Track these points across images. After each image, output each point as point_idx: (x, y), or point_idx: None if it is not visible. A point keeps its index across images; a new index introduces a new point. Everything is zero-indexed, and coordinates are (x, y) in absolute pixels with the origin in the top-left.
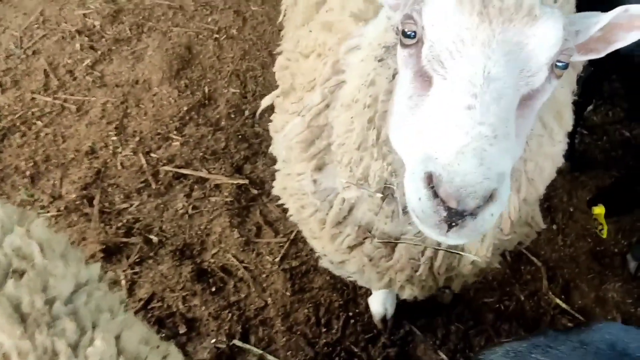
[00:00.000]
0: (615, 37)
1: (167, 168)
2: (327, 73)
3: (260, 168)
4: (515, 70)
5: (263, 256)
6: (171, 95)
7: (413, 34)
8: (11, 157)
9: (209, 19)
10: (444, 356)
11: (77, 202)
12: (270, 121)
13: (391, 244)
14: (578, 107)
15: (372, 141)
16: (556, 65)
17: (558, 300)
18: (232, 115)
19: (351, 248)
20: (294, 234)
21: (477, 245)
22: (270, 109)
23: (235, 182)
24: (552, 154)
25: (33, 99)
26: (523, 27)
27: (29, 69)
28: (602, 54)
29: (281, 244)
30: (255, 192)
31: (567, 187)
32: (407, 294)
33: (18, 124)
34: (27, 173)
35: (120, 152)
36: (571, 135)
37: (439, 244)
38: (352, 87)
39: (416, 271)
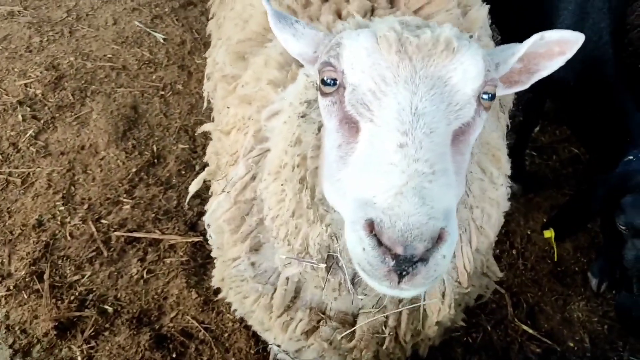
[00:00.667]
0: (537, 66)
1: (118, 234)
2: (249, 143)
3: None
4: (442, 104)
5: (224, 314)
6: (119, 158)
7: (332, 81)
8: None
9: (154, 77)
10: None
11: (27, 279)
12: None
13: (348, 322)
14: (524, 129)
15: (306, 203)
16: (482, 97)
17: (525, 327)
18: (183, 172)
19: (306, 334)
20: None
21: (438, 304)
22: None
23: (189, 240)
24: (497, 197)
25: None
26: (443, 61)
27: None
28: (527, 85)
29: None
30: (211, 248)
31: (522, 210)
32: None
33: None
34: None
35: (69, 222)
36: (520, 158)
37: (399, 304)
38: (279, 152)
39: (382, 345)
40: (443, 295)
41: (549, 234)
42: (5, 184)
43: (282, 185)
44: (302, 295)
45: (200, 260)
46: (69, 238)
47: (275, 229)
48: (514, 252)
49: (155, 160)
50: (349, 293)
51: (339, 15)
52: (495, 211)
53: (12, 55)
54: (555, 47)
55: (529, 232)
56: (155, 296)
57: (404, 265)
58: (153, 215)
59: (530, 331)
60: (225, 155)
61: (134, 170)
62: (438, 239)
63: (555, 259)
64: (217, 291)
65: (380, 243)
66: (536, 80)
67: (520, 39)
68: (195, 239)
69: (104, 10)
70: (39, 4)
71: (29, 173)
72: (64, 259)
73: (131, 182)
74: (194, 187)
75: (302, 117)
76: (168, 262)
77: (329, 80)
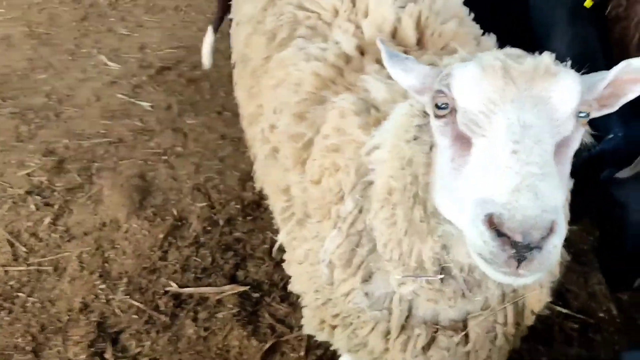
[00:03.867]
0: (624, 90)
1: (165, 299)
2: (352, 181)
3: (252, 270)
4: (546, 119)
5: (287, 355)
6: (143, 227)
7: (445, 105)
8: (5, 337)
9: (151, 144)
10: None
11: None
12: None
13: (459, 328)
14: None
15: (419, 217)
16: (579, 115)
17: (559, 308)
18: (208, 229)
19: (423, 349)
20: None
21: (537, 295)
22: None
23: (235, 291)
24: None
25: (6, 272)
26: (544, 83)
27: None
28: (616, 108)
29: (300, 338)
30: (256, 295)
31: None
32: None
33: (0, 301)
34: (28, 348)
35: (114, 298)
36: None
37: (504, 301)
38: (385, 179)
39: (494, 343)
40: (541, 286)
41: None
42: (38, 275)
43: (392, 209)
44: (415, 313)
45: (250, 309)
46: (118, 313)
47: (388, 252)
48: None
49: (179, 223)
50: (464, 298)
51: (379, 62)
52: (566, 204)
53: (4, 148)
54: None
55: None
56: (218, 351)
57: (522, 251)
58: (192, 275)
59: (565, 311)
60: (313, 202)
61: (161, 236)
62: (550, 230)
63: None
64: (274, 334)
65: (499, 235)
66: (623, 103)
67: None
68: (241, 289)
69: (83, 88)
70: (15, 93)
71: (58, 259)
72: (120, 334)
73: (162, 248)
74: (281, 237)
75: (414, 139)
76: (220, 316)
77: (442, 105)
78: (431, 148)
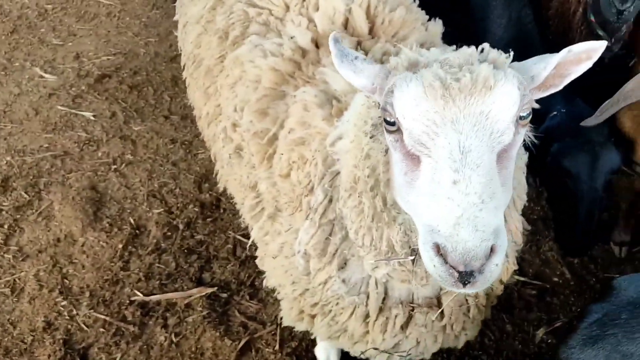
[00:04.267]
0: (568, 71)
1: (131, 309)
2: (320, 172)
3: (218, 271)
4: (485, 136)
5: (262, 350)
6: (100, 239)
7: (394, 122)
8: None
9: (99, 154)
10: None
11: None
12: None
13: (434, 304)
14: None
15: (379, 208)
16: (520, 118)
17: (517, 276)
18: (169, 234)
19: (402, 327)
20: (279, 317)
21: (505, 265)
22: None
23: (203, 294)
24: (523, 166)
25: None
26: (482, 97)
27: None
28: (560, 87)
29: (273, 332)
30: (225, 295)
31: None
32: (462, 341)
33: None
34: None
35: (78, 314)
36: None
37: None
38: (350, 169)
39: (468, 315)
40: (507, 255)
41: None
42: None
43: (359, 197)
44: (391, 294)
45: (220, 310)
46: (85, 328)
47: (360, 239)
48: None
49: (137, 231)
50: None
51: None
52: (524, 177)
53: None
54: (582, 55)
55: None
56: (192, 355)
57: (465, 277)
58: (157, 282)
59: (522, 278)
60: (284, 196)
61: (120, 246)
62: (491, 252)
63: None
64: (247, 332)
65: (445, 261)
66: (568, 82)
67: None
68: (209, 290)
69: (20, 103)
70: None
71: (14, 280)
72: (89, 349)
73: (122, 258)
74: (254, 233)
75: (370, 137)
76: (190, 320)
77: (390, 120)
78: (387, 151)
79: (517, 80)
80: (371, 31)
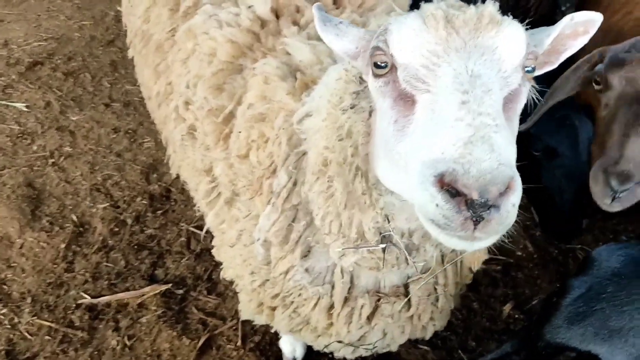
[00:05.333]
0: (564, 46)
1: (78, 313)
2: (284, 152)
3: (172, 267)
4: (494, 70)
5: (224, 347)
6: (40, 239)
7: (384, 63)
8: None
9: (35, 147)
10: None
11: None
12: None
13: (401, 293)
14: None
15: (361, 189)
16: (526, 69)
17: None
18: (116, 230)
19: (368, 318)
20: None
21: (476, 253)
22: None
23: (156, 291)
24: None
25: None
26: (489, 32)
27: None
28: (556, 65)
29: (234, 327)
30: (180, 291)
31: None
32: (429, 332)
33: None
34: None
35: (20, 322)
36: None
37: (444, 263)
38: (320, 150)
39: (436, 304)
40: None
41: None
42: None
43: (328, 181)
44: (357, 283)
45: (176, 307)
46: (28, 337)
47: (327, 225)
48: None
49: (81, 229)
50: (407, 264)
51: (297, 24)
52: None
53: None
54: (580, 27)
55: None
56: (148, 358)
57: (479, 210)
58: (106, 282)
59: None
60: (242, 179)
61: (62, 246)
62: (507, 188)
63: None
64: (206, 329)
65: (452, 195)
66: (563, 59)
67: None
68: (163, 288)
69: None
70: None
71: None
72: (34, 359)
73: (66, 259)
74: (210, 221)
75: (351, 108)
76: (144, 321)
77: (381, 63)
78: (370, 114)
79: (522, 26)
80: (336, 1)
